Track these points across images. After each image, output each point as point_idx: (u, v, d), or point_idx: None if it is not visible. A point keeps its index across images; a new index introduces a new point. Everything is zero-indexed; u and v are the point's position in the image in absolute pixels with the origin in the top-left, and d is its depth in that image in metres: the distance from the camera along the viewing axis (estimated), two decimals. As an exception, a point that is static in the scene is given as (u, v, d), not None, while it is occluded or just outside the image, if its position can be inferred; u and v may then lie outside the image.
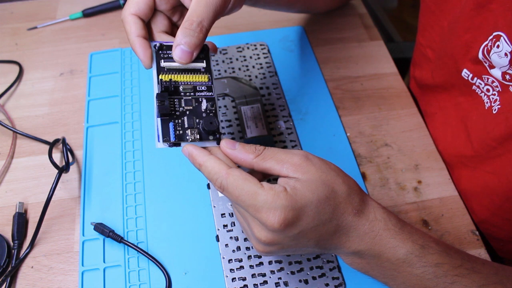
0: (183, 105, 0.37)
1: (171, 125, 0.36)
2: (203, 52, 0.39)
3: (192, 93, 0.37)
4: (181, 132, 0.36)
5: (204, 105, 0.37)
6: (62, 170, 0.49)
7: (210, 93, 0.38)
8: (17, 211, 0.48)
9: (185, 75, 0.38)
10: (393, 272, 0.35)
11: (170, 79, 0.37)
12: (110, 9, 0.71)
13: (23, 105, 0.59)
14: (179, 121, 0.36)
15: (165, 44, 0.38)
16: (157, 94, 0.36)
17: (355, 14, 0.70)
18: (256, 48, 0.64)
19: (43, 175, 0.52)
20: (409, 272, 0.35)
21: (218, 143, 0.36)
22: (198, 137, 0.36)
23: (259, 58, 0.63)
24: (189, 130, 0.36)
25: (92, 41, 0.66)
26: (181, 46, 0.36)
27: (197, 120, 0.36)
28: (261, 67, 0.62)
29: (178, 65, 0.38)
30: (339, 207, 0.33)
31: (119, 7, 0.71)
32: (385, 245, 0.34)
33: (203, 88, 0.38)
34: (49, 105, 0.59)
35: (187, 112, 0.37)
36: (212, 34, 0.65)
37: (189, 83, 0.38)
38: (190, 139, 0.35)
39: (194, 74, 0.38)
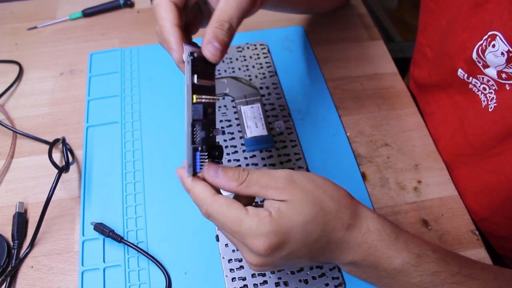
0: (199, 129, 0.34)
1: (197, 155, 0.34)
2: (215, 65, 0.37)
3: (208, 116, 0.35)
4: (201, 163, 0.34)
5: (216, 132, 0.36)
6: (62, 170, 0.49)
7: (213, 116, 0.36)
8: (17, 211, 0.48)
9: (209, 96, 0.35)
10: (390, 281, 0.35)
11: (205, 102, 0.34)
12: (110, 9, 0.71)
13: (23, 105, 0.59)
14: (202, 148, 0.34)
15: (200, 55, 0.35)
16: (202, 122, 0.34)
17: (355, 14, 0.70)
18: (256, 48, 0.64)
19: (43, 175, 0.52)
20: (405, 282, 0.34)
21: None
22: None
23: (259, 58, 0.63)
24: (206, 161, 0.34)
25: (92, 41, 0.67)
26: (214, 43, 0.34)
27: (204, 147, 0.35)
28: (261, 67, 0.62)
29: (205, 83, 0.35)
30: (329, 225, 0.33)
31: (119, 7, 0.71)
32: (380, 256, 0.34)
33: (210, 110, 0.36)
34: (49, 105, 0.59)
35: (203, 138, 0.34)
36: (212, 34, 0.65)
37: (212, 105, 0.35)
38: (205, 169, 0.34)
39: (211, 91, 0.36)
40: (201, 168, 0.34)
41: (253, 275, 0.44)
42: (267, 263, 0.33)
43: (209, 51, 0.34)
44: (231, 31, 0.35)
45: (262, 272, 0.44)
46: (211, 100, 0.35)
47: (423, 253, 0.34)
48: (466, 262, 0.36)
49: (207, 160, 0.34)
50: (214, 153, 0.35)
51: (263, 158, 0.52)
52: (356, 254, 0.34)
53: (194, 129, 0.33)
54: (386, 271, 0.34)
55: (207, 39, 0.34)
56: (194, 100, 0.33)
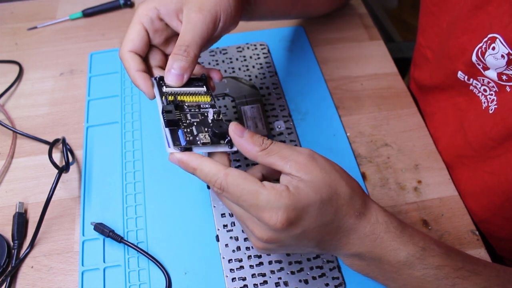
0: (189, 118, 0.37)
1: (180, 131, 0.36)
2: (201, 81, 0.40)
3: (196, 110, 0.38)
4: (191, 138, 0.35)
5: (210, 115, 0.38)
6: (62, 170, 0.49)
7: (214, 109, 0.38)
8: (17, 211, 0.48)
9: (188, 96, 0.39)
10: (394, 274, 0.35)
11: (175, 97, 0.38)
12: (110, 9, 0.71)
13: (23, 105, 0.59)
14: (188, 130, 0.36)
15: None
16: (163, 106, 0.37)
17: (355, 14, 0.70)
18: (256, 48, 0.64)
19: (43, 175, 0.52)
20: (409, 275, 0.34)
21: (231, 147, 0.36)
22: (209, 141, 0.35)
23: (259, 58, 0.63)
24: (200, 134, 0.35)
25: (92, 41, 0.67)
26: (171, 71, 0.38)
27: (206, 129, 0.36)
28: (261, 67, 0.62)
29: (180, 90, 0.39)
30: (341, 209, 0.33)
31: (119, 7, 0.71)
32: (386, 247, 0.34)
33: (206, 106, 0.39)
34: (49, 105, 0.59)
35: (195, 123, 0.37)
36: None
37: (193, 103, 0.39)
38: (201, 142, 0.35)
39: (196, 95, 0.39)
40: (199, 143, 0.35)
41: (253, 275, 0.44)
42: (277, 240, 0.33)
43: (169, 79, 0.38)
44: (190, 55, 0.38)
45: (262, 272, 0.44)
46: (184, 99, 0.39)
47: (428, 247, 0.35)
48: (470, 258, 0.37)
49: (202, 135, 0.36)
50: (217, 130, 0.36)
51: (263, 158, 0.52)
52: (362, 246, 0.34)
53: (169, 112, 0.36)
54: (390, 264, 0.34)
55: (167, 67, 0.38)
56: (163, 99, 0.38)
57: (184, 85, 0.39)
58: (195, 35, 0.38)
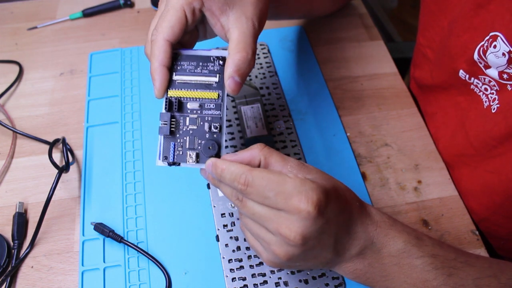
0: (187, 123, 0.36)
1: (172, 144, 0.36)
2: (221, 62, 0.38)
3: (198, 112, 0.37)
4: (181, 152, 0.36)
5: (207, 126, 0.37)
6: (62, 170, 0.49)
7: (217, 112, 0.37)
8: (17, 211, 0.48)
9: (194, 91, 0.37)
10: (395, 267, 0.35)
11: (178, 97, 0.36)
12: (110, 9, 0.71)
13: (23, 105, 0.59)
14: (181, 140, 0.36)
15: (183, 53, 0.37)
16: (161, 113, 0.36)
17: (355, 14, 0.70)
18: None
19: (43, 175, 0.52)
20: (409, 264, 0.35)
21: None
22: (195, 162, 0.36)
23: (259, 58, 0.63)
24: (189, 151, 0.36)
25: (92, 41, 0.67)
26: (235, 78, 0.35)
27: (199, 141, 0.36)
28: (261, 67, 0.62)
29: (189, 79, 0.37)
30: (348, 198, 0.35)
31: (119, 7, 0.71)
32: (385, 236, 0.35)
33: (211, 106, 0.37)
34: (49, 105, 0.59)
35: (191, 132, 0.36)
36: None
37: (197, 100, 0.37)
38: (188, 161, 0.36)
39: (204, 90, 0.37)
40: (186, 161, 0.36)
41: (253, 275, 0.44)
42: (307, 233, 0.31)
43: (229, 86, 0.35)
44: (253, 61, 0.36)
45: (262, 272, 0.44)
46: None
47: (421, 237, 0.36)
48: (461, 251, 0.38)
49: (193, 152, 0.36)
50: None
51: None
52: (367, 237, 0.35)
53: (164, 124, 0.36)
54: (391, 254, 0.35)
55: (229, 73, 0.35)
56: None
57: (196, 70, 0.37)
58: (255, 40, 0.36)
